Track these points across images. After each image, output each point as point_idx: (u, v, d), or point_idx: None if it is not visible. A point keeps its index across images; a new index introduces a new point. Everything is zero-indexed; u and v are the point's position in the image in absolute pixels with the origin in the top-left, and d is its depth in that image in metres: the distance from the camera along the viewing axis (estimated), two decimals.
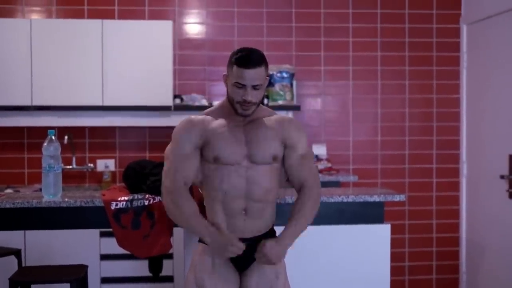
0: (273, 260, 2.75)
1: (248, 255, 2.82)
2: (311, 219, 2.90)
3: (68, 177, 5.28)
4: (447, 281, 5.62)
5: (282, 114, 5.22)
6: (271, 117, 2.92)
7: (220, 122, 2.86)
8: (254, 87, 2.75)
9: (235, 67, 2.73)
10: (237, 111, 2.81)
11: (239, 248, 2.71)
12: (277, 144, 2.86)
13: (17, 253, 3.96)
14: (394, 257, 5.54)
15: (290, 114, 5.30)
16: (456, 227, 5.64)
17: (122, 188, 3.56)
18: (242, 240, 2.78)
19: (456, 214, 5.64)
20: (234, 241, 2.71)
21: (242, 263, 2.87)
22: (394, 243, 5.54)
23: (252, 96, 2.75)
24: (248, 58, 2.73)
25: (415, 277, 5.60)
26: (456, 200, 5.63)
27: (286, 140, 2.88)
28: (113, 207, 3.27)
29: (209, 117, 2.89)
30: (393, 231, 5.51)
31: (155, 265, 3.88)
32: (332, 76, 5.56)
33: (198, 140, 2.83)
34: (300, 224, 2.85)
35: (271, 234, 2.93)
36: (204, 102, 5.15)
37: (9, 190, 4.93)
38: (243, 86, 2.74)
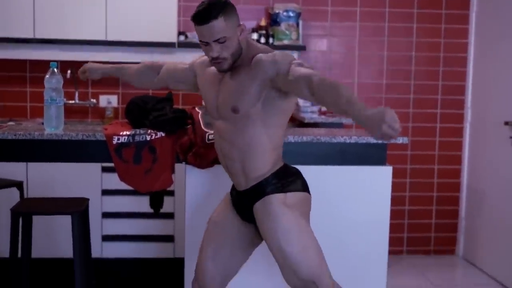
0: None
1: (247, 203, 2.79)
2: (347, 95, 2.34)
3: (71, 112, 5.26)
4: (446, 226, 5.66)
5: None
6: (254, 60, 2.65)
7: (212, 69, 2.82)
8: (218, 41, 2.60)
9: (195, 26, 2.62)
10: (215, 68, 2.74)
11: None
12: (250, 91, 2.63)
13: (19, 185, 3.98)
14: (395, 200, 5.53)
15: (295, 54, 5.24)
16: (457, 173, 5.64)
17: (124, 123, 3.55)
18: (239, 192, 2.80)
19: (458, 160, 5.63)
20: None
21: (245, 213, 2.84)
22: (395, 187, 5.51)
23: (217, 51, 2.61)
24: (199, 14, 2.58)
25: (414, 221, 5.63)
26: (459, 146, 5.62)
27: (266, 75, 2.60)
28: (115, 141, 3.26)
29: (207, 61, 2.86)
30: (394, 175, 5.48)
31: (156, 201, 3.90)
32: (339, 17, 5.48)
33: (192, 72, 2.95)
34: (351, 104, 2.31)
35: (265, 184, 2.73)
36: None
37: (11, 123, 4.92)
38: (207, 43, 2.63)
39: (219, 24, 2.57)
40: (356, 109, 2.26)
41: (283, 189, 2.72)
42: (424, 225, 5.66)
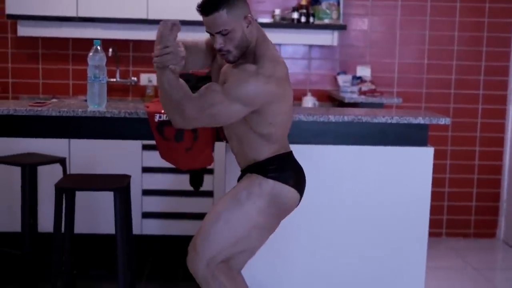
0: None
1: None
2: (168, 94, 2.59)
3: (112, 90, 5.31)
4: (486, 208, 5.59)
5: (323, 36, 5.15)
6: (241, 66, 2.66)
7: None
8: (221, 33, 2.60)
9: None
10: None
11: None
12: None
13: (62, 161, 4.05)
14: (434, 182, 5.48)
15: (335, 34, 5.20)
16: (499, 155, 5.56)
17: None
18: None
19: (500, 142, 5.54)
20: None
21: None
22: (435, 169, 5.50)
23: (221, 43, 2.61)
24: (202, 5, 2.58)
25: (454, 203, 5.58)
26: (501, 128, 5.53)
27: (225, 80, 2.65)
28: (156, 119, 3.28)
29: None
30: (435, 157, 5.47)
31: (196, 179, 3.92)
32: None
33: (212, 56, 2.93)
34: (168, 81, 2.57)
35: (256, 166, 2.77)
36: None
37: (54, 100, 5.00)
38: (212, 34, 2.63)
39: (221, 16, 2.56)
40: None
41: (267, 174, 2.72)
42: (464, 208, 5.59)
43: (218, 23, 2.57)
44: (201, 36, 5.04)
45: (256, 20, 2.72)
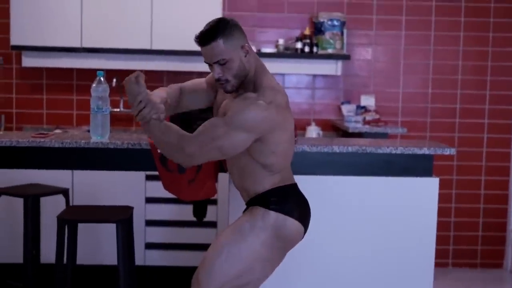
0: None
1: None
2: (164, 141, 2.61)
3: (116, 120, 5.31)
4: (493, 238, 5.54)
5: (327, 65, 5.16)
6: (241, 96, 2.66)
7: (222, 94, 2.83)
8: (219, 63, 2.61)
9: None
10: None
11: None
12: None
13: (65, 192, 4.03)
14: (440, 212, 5.48)
15: (339, 63, 5.21)
16: (505, 185, 5.52)
17: None
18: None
19: (506, 171, 5.51)
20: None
21: None
22: (441, 198, 5.47)
23: (219, 72, 2.62)
24: (199, 36, 2.61)
25: (460, 233, 5.52)
26: (507, 157, 5.50)
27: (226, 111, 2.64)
28: (159, 150, 3.27)
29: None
30: (440, 186, 5.45)
31: (200, 209, 3.90)
32: (384, 25, 5.42)
33: (214, 92, 2.93)
34: (159, 129, 2.60)
35: (259, 199, 2.73)
36: (253, 49, 5.08)
37: (58, 131, 5.00)
38: (211, 65, 2.65)
39: (218, 46, 2.58)
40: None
41: (269, 206, 2.68)
42: (470, 238, 5.54)
43: (216, 53, 2.59)
44: (205, 66, 5.07)
45: (259, 51, 2.72)
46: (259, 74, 2.70)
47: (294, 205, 2.72)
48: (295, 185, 2.79)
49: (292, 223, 2.70)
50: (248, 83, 2.68)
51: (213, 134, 2.55)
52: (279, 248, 2.71)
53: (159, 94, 2.73)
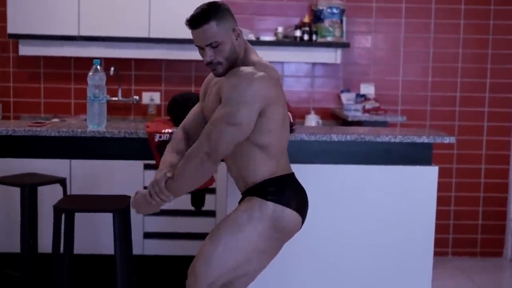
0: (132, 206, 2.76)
1: None
2: (192, 180, 2.62)
3: (114, 109, 5.28)
4: (493, 227, 5.52)
5: (326, 53, 5.12)
6: (230, 72, 2.64)
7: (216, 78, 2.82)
8: (211, 46, 2.60)
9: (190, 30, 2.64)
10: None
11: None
12: (217, 104, 2.63)
13: (62, 181, 4.00)
14: (440, 201, 5.46)
15: (338, 51, 5.17)
16: (505, 173, 5.49)
17: (166, 121, 3.54)
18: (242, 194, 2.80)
19: (506, 159, 5.48)
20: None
21: None
22: (441, 187, 5.45)
23: (211, 55, 2.60)
24: (191, 19, 2.59)
25: (460, 222, 5.51)
26: (507, 145, 5.47)
27: (220, 95, 2.62)
28: (156, 139, 3.25)
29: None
30: (440, 175, 5.43)
31: (198, 199, 3.88)
32: (384, 13, 5.38)
33: (206, 92, 2.89)
34: (175, 185, 2.63)
35: (257, 188, 2.70)
36: (251, 37, 5.05)
37: (55, 120, 4.97)
38: (201, 48, 2.63)
39: (210, 29, 2.57)
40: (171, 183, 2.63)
41: (267, 196, 2.65)
42: (470, 226, 5.52)
43: (208, 35, 2.58)
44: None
45: (258, 39, 2.70)
46: (249, 54, 2.70)
47: (292, 195, 2.70)
48: (292, 175, 2.76)
49: (290, 214, 2.67)
50: (238, 66, 2.66)
51: (226, 120, 2.52)
52: (277, 239, 2.69)
53: (168, 160, 2.77)
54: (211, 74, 2.90)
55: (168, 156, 2.80)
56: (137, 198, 2.71)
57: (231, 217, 2.69)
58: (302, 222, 2.75)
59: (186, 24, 2.62)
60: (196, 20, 2.58)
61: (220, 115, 2.54)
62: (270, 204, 2.65)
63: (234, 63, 2.66)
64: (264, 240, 2.66)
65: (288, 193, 2.69)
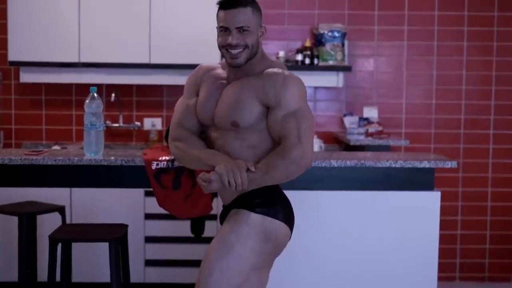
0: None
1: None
2: (276, 179, 2.57)
3: (115, 135, 5.26)
4: (501, 251, 5.43)
5: (329, 77, 5.08)
6: (261, 73, 2.62)
7: (218, 73, 2.76)
8: (240, 30, 2.57)
9: (219, 11, 2.61)
10: (227, 61, 2.66)
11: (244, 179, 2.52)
12: (251, 107, 2.58)
13: (61, 209, 3.97)
14: (446, 225, 5.38)
15: (340, 75, 5.14)
16: None
17: (164, 148, 3.50)
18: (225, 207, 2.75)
19: None
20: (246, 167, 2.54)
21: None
22: (447, 211, 5.37)
23: (238, 38, 2.57)
24: None
25: (467, 246, 5.42)
26: None
27: (267, 99, 2.57)
28: (154, 166, 3.21)
29: (216, 66, 2.80)
30: (445, 198, 5.35)
31: (197, 226, 3.84)
32: (386, 36, 5.35)
33: (198, 87, 2.80)
34: (259, 179, 2.55)
35: (244, 199, 2.65)
36: None
37: (56, 147, 4.96)
38: (227, 30, 2.59)
39: (246, 13, 2.58)
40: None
41: (254, 208, 2.60)
42: (477, 251, 5.44)
43: (242, 19, 2.57)
44: None
45: None
46: (265, 56, 2.72)
47: (280, 207, 2.64)
48: (277, 185, 2.71)
49: (279, 226, 2.61)
50: (254, 65, 2.65)
51: (307, 124, 2.56)
52: (269, 253, 2.62)
53: (201, 147, 2.74)
54: (197, 70, 2.84)
55: (208, 150, 2.71)
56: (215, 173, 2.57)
57: (219, 239, 2.60)
58: (291, 233, 2.70)
59: (221, 3, 2.59)
60: (234, 0, 2.57)
61: (305, 120, 2.56)
62: (258, 217, 2.59)
63: (253, 57, 2.64)
64: (258, 255, 2.58)
65: (277, 205, 2.63)
